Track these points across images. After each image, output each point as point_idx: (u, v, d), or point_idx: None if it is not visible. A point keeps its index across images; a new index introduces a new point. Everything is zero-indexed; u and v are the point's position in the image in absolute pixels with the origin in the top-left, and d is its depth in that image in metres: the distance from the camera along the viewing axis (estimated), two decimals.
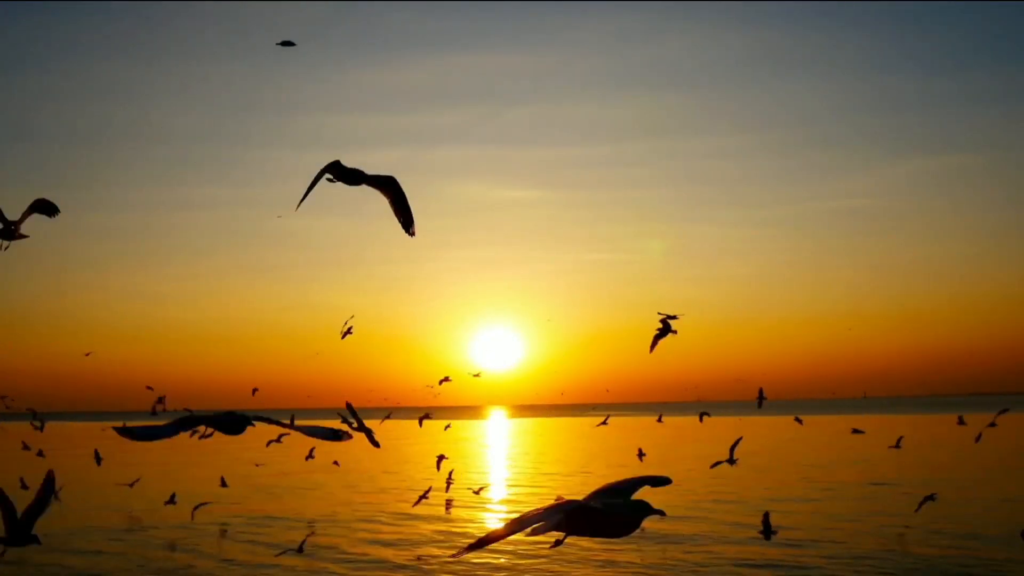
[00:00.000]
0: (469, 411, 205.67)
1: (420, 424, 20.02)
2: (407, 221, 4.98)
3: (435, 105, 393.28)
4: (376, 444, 8.27)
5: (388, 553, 17.75)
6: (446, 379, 11.58)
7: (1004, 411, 21.25)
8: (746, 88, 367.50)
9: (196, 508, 19.88)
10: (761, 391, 16.16)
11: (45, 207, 5.48)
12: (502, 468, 41.59)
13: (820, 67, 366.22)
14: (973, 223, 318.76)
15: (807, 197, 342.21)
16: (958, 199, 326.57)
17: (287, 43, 9.48)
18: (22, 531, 6.06)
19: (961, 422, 23.26)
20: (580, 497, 3.46)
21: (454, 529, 20.63)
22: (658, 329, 9.89)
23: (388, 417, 26.04)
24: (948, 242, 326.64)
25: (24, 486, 16.18)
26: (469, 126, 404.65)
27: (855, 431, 26.36)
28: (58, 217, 5.51)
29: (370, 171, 4.79)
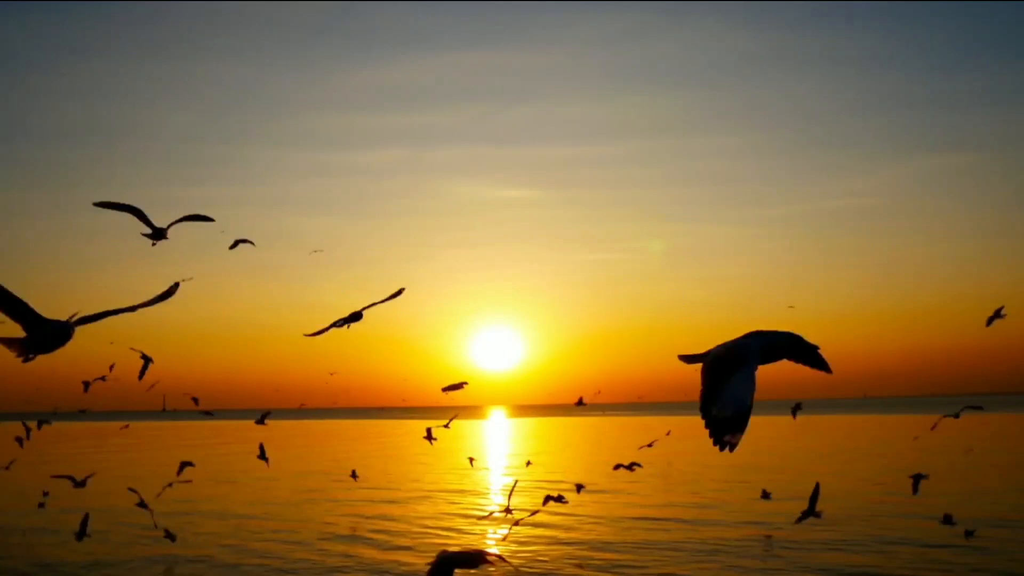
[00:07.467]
0: (469, 411, 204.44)
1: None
2: None
3: (435, 104, 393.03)
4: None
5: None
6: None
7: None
8: (747, 87, 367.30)
9: None
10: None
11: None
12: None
13: (822, 65, 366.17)
14: (979, 221, 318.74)
15: (809, 196, 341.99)
16: (963, 197, 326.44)
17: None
18: None
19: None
20: None
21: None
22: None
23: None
24: (953, 241, 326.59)
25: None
26: (468, 126, 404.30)
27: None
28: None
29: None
